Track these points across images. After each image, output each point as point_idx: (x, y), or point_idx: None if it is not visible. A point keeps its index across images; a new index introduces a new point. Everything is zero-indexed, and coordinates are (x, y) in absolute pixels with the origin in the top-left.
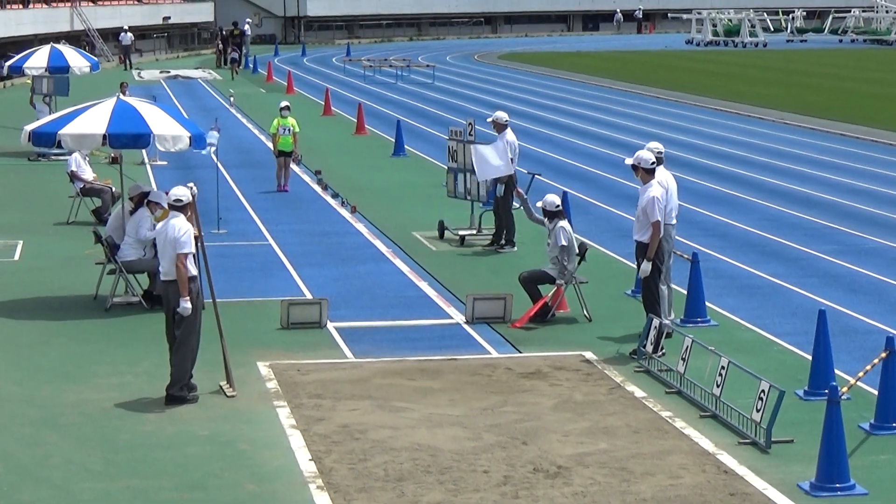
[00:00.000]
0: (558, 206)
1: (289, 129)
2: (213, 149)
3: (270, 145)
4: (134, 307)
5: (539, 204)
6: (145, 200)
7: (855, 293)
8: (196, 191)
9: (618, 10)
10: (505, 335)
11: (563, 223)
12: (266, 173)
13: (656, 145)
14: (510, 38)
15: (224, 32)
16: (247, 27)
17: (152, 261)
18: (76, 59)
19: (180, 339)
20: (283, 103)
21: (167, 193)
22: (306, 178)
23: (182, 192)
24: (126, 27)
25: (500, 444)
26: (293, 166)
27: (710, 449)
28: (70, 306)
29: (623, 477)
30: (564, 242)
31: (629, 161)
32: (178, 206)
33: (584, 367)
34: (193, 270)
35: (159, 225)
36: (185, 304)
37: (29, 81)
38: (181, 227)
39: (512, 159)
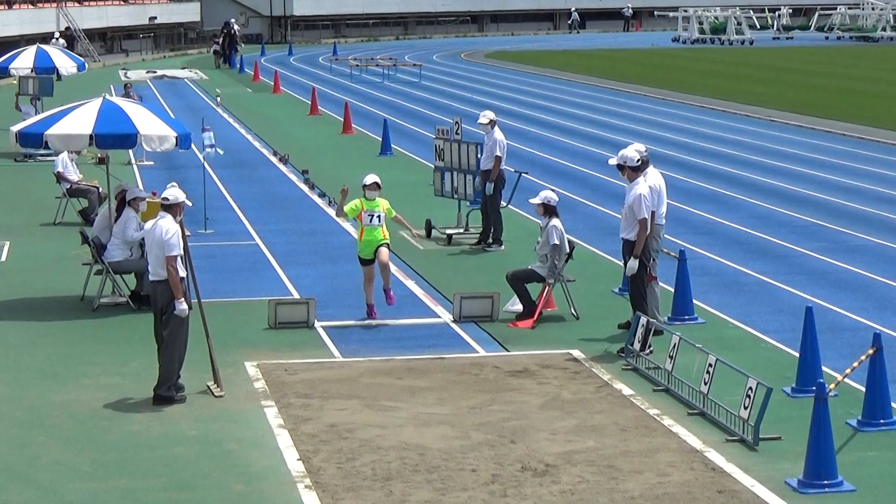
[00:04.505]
0: (557, 201)
1: (379, 217)
2: (215, 149)
3: (331, 211)
4: (121, 308)
5: (535, 200)
6: (127, 200)
7: (842, 290)
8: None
9: (573, 10)
10: (492, 334)
11: (556, 222)
12: (254, 173)
13: (640, 147)
14: (497, 36)
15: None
16: (235, 26)
17: (139, 261)
18: (62, 60)
19: (168, 340)
20: (369, 179)
21: (154, 193)
22: (293, 177)
23: (169, 192)
24: (57, 33)
25: (488, 442)
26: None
27: (698, 446)
28: (57, 307)
29: (611, 475)
30: (557, 241)
31: (613, 161)
32: (165, 206)
33: (571, 366)
34: (182, 272)
35: (147, 225)
36: (181, 306)
37: (15, 82)
38: (168, 229)
39: (500, 157)
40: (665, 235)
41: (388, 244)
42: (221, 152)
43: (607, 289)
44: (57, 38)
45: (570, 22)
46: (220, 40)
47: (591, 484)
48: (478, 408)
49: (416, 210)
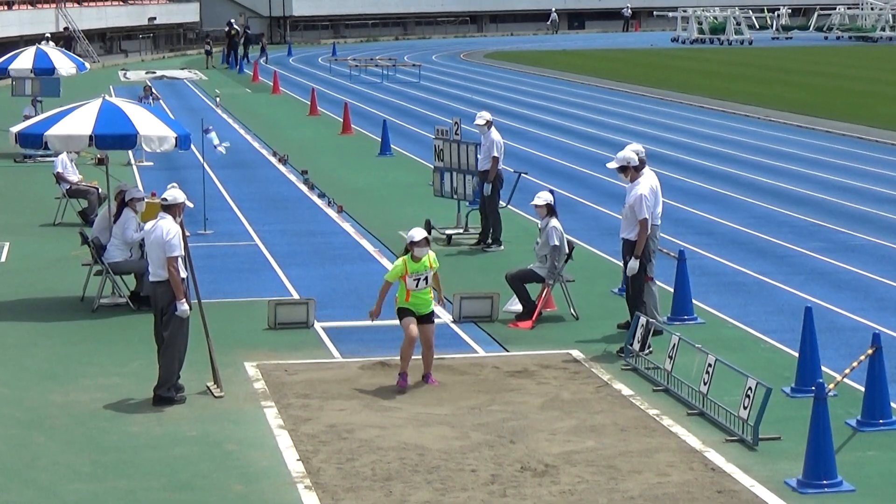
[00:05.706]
0: (554, 201)
1: (427, 279)
2: (223, 146)
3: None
4: (121, 308)
5: (537, 202)
6: (126, 201)
7: (841, 290)
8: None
9: (553, 10)
10: (492, 334)
11: (555, 222)
12: (254, 174)
13: (637, 147)
14: (496, 36)
15: (243, 30)
16: (235, 27)
17: (139, 262)
18: (61, 61)
19: (168, 340)
20: (419, 234)
21: (154, 194)
22: (292, 177)
23: (169, 193)
24: (48, 34)
25: (488, 442)
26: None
27: (698, 447)
28: (57, 308)
29: (610, 475)
30: (556, 242)
31: (613, 165)
32: (165, 207)
33: (571, 366)
34: (183, 272)
35: (147, 225)
36: (183, 307)
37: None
38: (169, 230)
39: (498, 158)
40: (663, 235)
41: (433, 314)
42: (229, 145)
43: (606, 289)
44: (47, 40)
45: (548, 23)
46: (227, 41)
47: (591, 484)
48: (477, 408)
49: (415, 210)
